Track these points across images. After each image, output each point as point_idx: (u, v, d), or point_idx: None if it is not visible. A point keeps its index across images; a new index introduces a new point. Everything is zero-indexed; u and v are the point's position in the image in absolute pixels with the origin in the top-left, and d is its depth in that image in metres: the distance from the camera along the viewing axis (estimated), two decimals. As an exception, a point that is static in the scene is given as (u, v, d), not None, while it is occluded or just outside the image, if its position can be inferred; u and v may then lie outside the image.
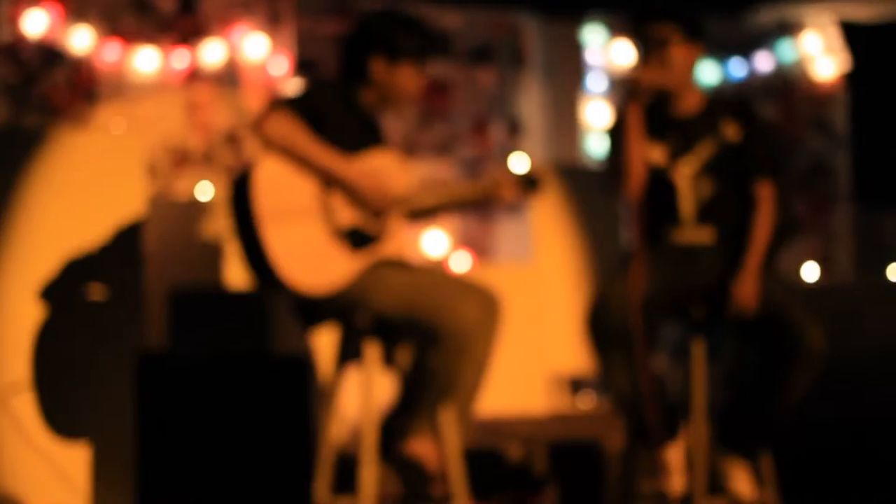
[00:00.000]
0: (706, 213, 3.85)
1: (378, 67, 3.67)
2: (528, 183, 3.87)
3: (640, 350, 3.71)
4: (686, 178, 3.85)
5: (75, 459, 4.11)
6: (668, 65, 3.82)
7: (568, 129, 7.54)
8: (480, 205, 3.91)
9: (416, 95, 3.79)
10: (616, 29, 7.50)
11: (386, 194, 3.62)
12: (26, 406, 4.05)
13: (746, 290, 3.75)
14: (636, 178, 3.79)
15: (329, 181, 3.56)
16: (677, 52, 3.83)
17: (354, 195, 3.57)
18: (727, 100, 4.14)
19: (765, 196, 3.86)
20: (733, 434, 3.85)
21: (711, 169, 3.86)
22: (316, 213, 3.54)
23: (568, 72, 7.59)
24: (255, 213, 3.42)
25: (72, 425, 4.12)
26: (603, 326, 3.75)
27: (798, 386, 3.73)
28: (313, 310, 3.64)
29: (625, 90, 3.84)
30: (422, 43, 3.71)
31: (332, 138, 3.57)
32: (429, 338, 3.56)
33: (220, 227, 3.65)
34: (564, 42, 7.62)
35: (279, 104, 3.59)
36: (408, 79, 3.70)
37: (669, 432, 3.83)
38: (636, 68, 3.86)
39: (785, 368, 3.72)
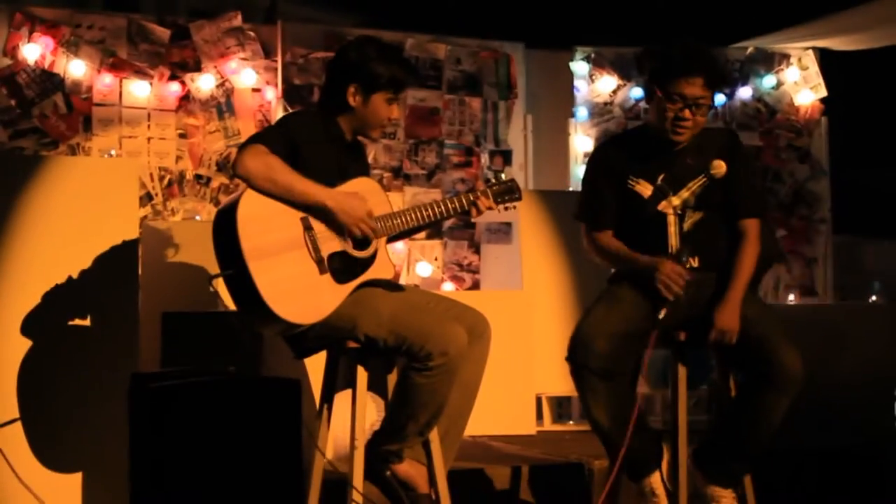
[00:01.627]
0: (692, 240, 3.85)
1: (354, 96, 3.72)
2: (507, 191, 3.89)
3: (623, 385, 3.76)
4: (673, 210, 3.87)
5: (69, 482, 4.15)
6: (695, 126, 3.83)
7: (556, 157, 7.60)
8: (462, 215, 3.89)
9: (389, 125, 3.80)
10: (603, 59, 7.58)
11: (368, 213, 3.61)
12: (17, 433, 4.07)
13: (728, 321, 3.77)
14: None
15: (311, 210, 3.58)
16: (705, 113, 3.84)
17: (336, 219, 3.58)
18: (716, 134, 4.10)
19: (750, 232, 3.88)
20: (715, 464, 3.86)
21: (698, 202, 3.87)
22: (300, 244, 3.55)
23: (556, 101, 7.66)
24: (240, 249, 3.43)
25: (65, 450, 4.15)
26: (583, 361, 3.75)
27: (776, 413, 3.74)
28: (304, 340, 3.66)
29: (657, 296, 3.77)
30: (398, 75, 3.74)
31: (309, 167, 3.59)
32: (417, 360, 3.56)
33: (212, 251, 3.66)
34: (552, 72, 7.69)
35: (252, 140, 3.60)
36: (382, 108, 3.74)
37: (651, 462, 3.85)
38: (678, 281, 3.75)
39: (763, 396, 3.73)
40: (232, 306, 3.58)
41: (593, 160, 4.10)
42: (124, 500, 3.62)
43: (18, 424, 4.08)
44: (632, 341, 3.79)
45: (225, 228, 3.48)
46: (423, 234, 6.80)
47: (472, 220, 3.88)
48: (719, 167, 3.85)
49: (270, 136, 3.60)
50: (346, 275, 3.61)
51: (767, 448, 3.84)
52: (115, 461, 3.96)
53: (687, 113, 3.80)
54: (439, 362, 3.54)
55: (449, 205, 3.81)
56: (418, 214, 3.76)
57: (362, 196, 3.67)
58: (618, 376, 3.77)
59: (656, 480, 3.86)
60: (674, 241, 3.87)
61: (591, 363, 3.72)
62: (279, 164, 3.51)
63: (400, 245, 6.89)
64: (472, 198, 3.82)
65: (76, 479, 4.17)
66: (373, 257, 3.68)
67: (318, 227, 3.59)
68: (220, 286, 3.51)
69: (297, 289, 3.50)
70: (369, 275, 3.66)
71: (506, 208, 3.90)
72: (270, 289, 3.43)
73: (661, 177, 3.89)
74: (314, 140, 3.67)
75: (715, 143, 3.94)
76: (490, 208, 3.84)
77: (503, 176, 3.98)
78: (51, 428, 4.14)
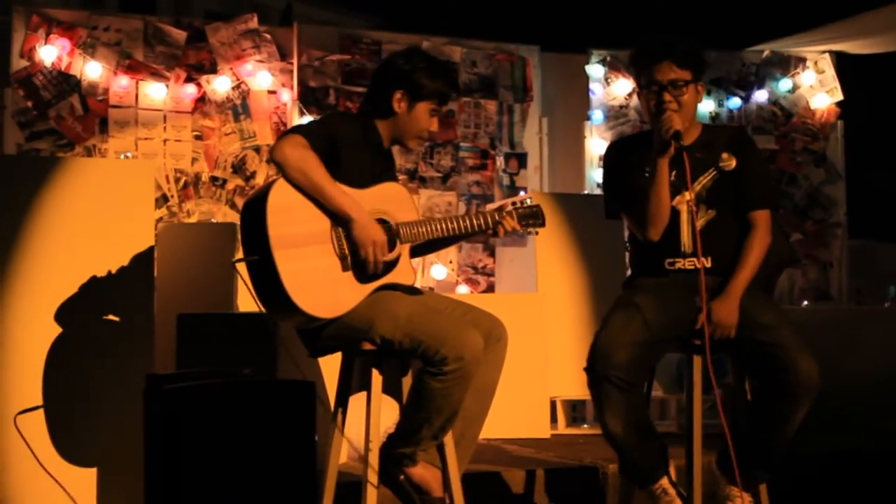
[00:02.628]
0: (705, 239, 3.83)
1: (399, 102, 3.76)
2: (531, 215, 3.91)
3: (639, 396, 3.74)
4: (686, 206, 3.85)
5: (83, 481, 4.15)
6: (681, 107, 3.84)
7: (571, 160, 7.61)
8: (483, 234, 3.91)
9: (427, 135, 3.86)
10: (619, 62, 7.59)
11: (382, 242, 3.60)
12: (37, 428, 4.08)
13: (725, 315, 3.75)
14: (662, 223, 3.85)
15: (332, 215, 3.57)
16: (690, 94, 3.86)
17: (352, 233, 3.56)
18: (724, 129, 4.13)
19: (759, 223, 3.87)
20: (732, 467, 3.81)
21: (710, 197, 3.87)
22: (326, 238, 3.56)
23: (571, 104, 7.67)
24: (266, 236, 3.44)
25: (81, 446, 4.16)
26: (603, 372, 3.73)
27: (793, 420, 3.72)
28: (319, 339, 3.67)
29: (660, 139, 3.80)
30: (443, 88, 3.81)
31: (345, 167, 3.62)
32: (433, 364, 3.55)
33: (230, 250, 3.67)
34: (568, 75, 7.70)
35: (294, 130, 3.63)
36: (424, 118, 3.80)
37: (660, 468, 3.84)
38: (671, 117, 3.80)
39: (780, 404, 3.71)
40: (247, 308, 3.58)
41: (608, 156, 4.12)
42: (139, 500, 3.63)
43: (40, 421, 4.09)
44: (650, 351, 3.79)
45: (254, 215, 3.50)
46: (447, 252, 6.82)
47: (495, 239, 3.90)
48: (729, 160, 3.87)
49: (312, 131, 3.62)
50: (367, 275, 3.61)
51: (785, 453, 3.83)
52: (130, 461, 3.97)
53: (666, 96, 3.83)
54: (454, 367, 3.53)
55: (474, 221, 3.82)
56: (443, 226, 3.77)
57: (390, 199, 3.70)
58: (635, 387, 3.76)
59: (665, 482, 3.85)
60: (686, 238, 3.86)
61: (610, 374, 3.71)
62: (315, 161, 3.53)
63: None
64: (497, 217, 3.84)
65: (91, 475, 4.18)
66: (395, 261, 3.68)
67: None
68: (242, 274, 3.51)
69: (318, 282, 3.51)
70: (390, 278, 3.67)
71: (528, 232, 3.93)
72: (293, 278, 3.45)
73: (673, 173, 3.89)
74: (353, 141, 3.70)
75: (723, 139, 3.95)
76: (515, 229, 3.86)
77: (529, 200, 3.99)
78: (67, 427, 4.15)
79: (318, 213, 3.57)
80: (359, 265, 3.59)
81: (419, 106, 3.78)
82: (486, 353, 3.64)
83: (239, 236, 3.62)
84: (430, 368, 3.56)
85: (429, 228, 3.75)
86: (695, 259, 3.84)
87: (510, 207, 3.90)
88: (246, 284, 3.51)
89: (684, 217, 3.87)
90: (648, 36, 3.99)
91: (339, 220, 3.58)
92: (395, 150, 4.00)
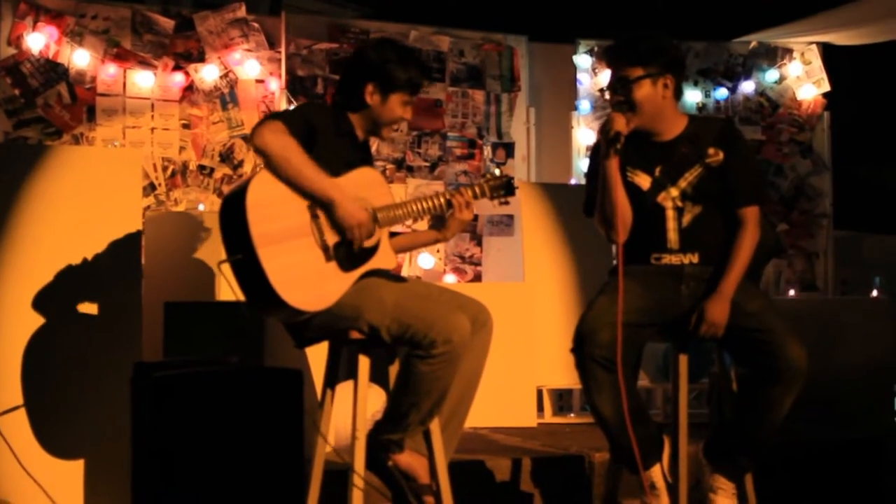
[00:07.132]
0: (691, 236, 3.86)
1: (372, 94, 3.77)
2: (502, 186, 3.93)
3: (622, 377, 3.72)
4: (671, 202, 3.87)
5: (71, 469, 4.17)
6: (638, 105, 3.83)
7: (558, 150, 7.61)
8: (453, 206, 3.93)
9: (403, 121, 3.87)
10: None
11: (367, 220, 3.64)
12: (21, 420, 4.08)
13: (717, 314, 3.76)
14: (623, 224, 3.84)
15: (315, 199, 3.59)
16: (644, 90, 3.84)
17: (336, 215, 3.59)
18: (711, 122, 4.11)
19: (748, 220, 3.86)
20: (723, 456, 3.87)
21: (696, 193, 3.87)
22: (307, 231, 3.57)
23: (559, 94, 7.67)
24: (249, 235, 3.44)
25: (68, 438, 4.17)
26: (588, 352, 3.74)
27: (782, 406, 3.73)
28: (306, 329, 3.68)
29: (604, 140, 3.80)
30: (415, 78, 3.82)
31: (319, 155, 3.61)
32: (421, 348, 3.57)
33: (217, 239, 3.66)
34: (555, 65, 7.70)
35: (272, 117, 3.63)
36: (398, 108, 3.81)
37: (652, 456, 3.85)
38: (613, 118, 3.80)
39: (769, 390, 3.72)
40: (234, 297, 3.58)
41: (594, 153, 4.11)
42: (126, 489, 3.63)
43: (22, 412, 4.09)
44: (634, 333, 3.79)
45: (234, 214, 3.49)
46: (424, 226, 6.82)
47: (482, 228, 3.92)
48: (716, 154, 3.87)
49: (290, 118, 3.63)
50: (350, 263, 3.63)
51: (772, 441, 3.84)
52: (117, 450, 3.98)
53: (615, 96, 3.86)
54: (443, 350, 3.55)
55: (446, 196, 3.86)
56: (418, 206, 3.80)
57: (364, 190, 3.70)
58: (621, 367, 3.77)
59: (657, 473, 3.86)
60: (672, 234, 3.87)
61: (595, 354, 3.72)
62: (295, 146, 3.54)
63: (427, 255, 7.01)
64: (465, 189, 3.88)
65: (79, 466, 4.19)
66: (376, 247, 3.70)
67: (322, 215, 3.61)
68: (226, 272, 3.50)
69: (304, 276, 3.52)
70: (372, 264, 3.69)
71: (500, 203, 3.95)
72: (279, 275, 3.45)
73: (658, 168, 3.89)
74: (328, 130, 3.71)
75: (711, 132, 3.93)
76: (484, 194, 3.90)
77: (497, 172, 4.01)
78: (54, 416, 4.16)
79: (297, 205, 3.57)
80: (341, 254, 3.60)
81: (392, 97, 3.79)
82: (472, 339, 3.66)
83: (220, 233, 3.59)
84: (419, 352, 3.58)
85: (405, 210, 3.78)
86: (681, 255, 3.87)
87: (481, 180, 3.96)
88: (231, 286, 3.50)
89: (669, 214, 3.88)
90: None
91: (321, 204, 3.58)
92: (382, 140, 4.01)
